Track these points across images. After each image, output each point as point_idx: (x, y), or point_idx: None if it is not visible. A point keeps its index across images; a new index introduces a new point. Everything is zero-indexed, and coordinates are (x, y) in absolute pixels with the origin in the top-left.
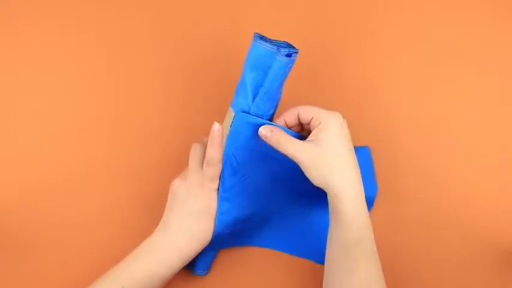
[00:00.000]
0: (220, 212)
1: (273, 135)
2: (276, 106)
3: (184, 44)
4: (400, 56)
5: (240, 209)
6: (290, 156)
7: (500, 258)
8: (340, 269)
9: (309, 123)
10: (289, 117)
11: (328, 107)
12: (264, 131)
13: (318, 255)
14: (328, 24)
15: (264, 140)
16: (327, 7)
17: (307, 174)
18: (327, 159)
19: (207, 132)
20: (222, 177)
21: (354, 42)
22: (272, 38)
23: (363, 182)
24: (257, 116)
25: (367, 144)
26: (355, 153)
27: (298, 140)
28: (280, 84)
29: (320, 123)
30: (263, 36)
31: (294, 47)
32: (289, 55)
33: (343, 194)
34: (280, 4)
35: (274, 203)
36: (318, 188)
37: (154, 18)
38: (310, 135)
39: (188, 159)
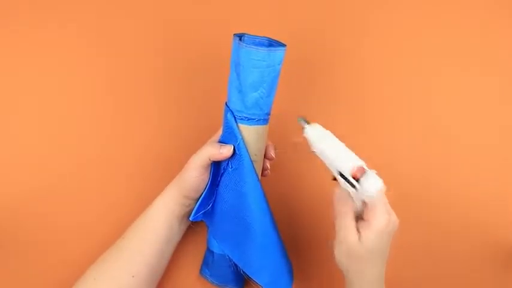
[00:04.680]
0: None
1: (338, 200)
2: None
3: (182, 45)
4: (399, 56)
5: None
6: (337, 226)
7: (500, 258)
8: None
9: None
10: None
11: (325, 106)
12: (335, 195)
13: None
14: (325, 24)
15: (333, 199)
16: (324, 6)
17: (335, 252)
18: (357, 261)
19: (206, 131)
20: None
21: (352, 42)
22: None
23: None
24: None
25: (366, 144)
26: None
27: (353, 224)
28: (256, 77)
29: (368, 220)
30: (243, 34)
31: (276, 42)
32: (256, 43)
33: None
34: (276, 2)
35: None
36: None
37: (153, 20)
38: (360, 224)
39: (187, 160)
